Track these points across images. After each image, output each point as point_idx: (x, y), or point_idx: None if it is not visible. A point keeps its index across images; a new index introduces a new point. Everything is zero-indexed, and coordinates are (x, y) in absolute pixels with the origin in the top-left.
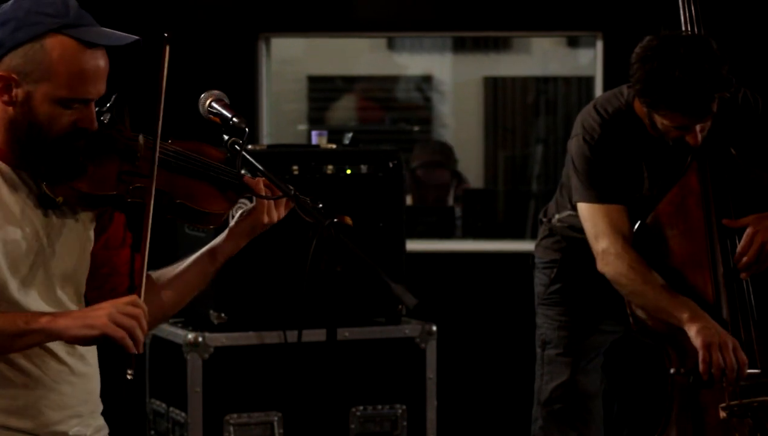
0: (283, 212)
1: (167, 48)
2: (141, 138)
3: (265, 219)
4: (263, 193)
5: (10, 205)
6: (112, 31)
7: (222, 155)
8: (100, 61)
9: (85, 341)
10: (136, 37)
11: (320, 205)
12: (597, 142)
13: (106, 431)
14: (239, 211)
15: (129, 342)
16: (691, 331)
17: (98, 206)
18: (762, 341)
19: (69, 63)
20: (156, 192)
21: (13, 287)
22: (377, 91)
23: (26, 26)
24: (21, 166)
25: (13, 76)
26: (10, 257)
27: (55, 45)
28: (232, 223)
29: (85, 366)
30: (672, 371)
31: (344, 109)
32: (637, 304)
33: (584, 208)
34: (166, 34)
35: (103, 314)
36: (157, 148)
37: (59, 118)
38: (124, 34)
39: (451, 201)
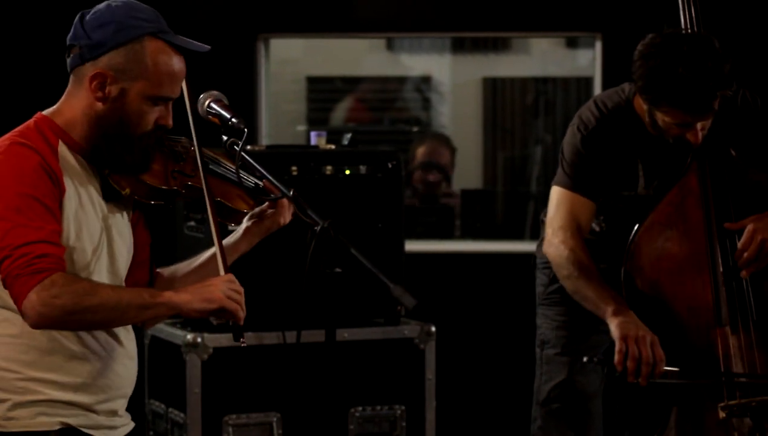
0: (291, 215)
1: (185, 83)
2: (185, 140)
3: (282, 220)
4: (282, 199)
5: (89, 194)
6: (189, 39)
7: (234, 163)
8: (183, 65)
9: (202, 314)
10: (209, 47)
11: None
12: (589, 134)
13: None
14: (251, 212)
15: (241, 314)
16: (612, 324)
17: (156, 200)
18: (761, 341)
19: (164, 64)
20: (201, 191)
21: (93, 268)
22: (376, 92)
23: (127, 28)
24: (91, 160)
25: (110, 73)
26: (91, 242)
27: (153, 47)
28: (247, 223)
29: (135, 351)
30: (585, 359)
31: (339, 111)
32: (569, 290)
33: (554, 192)
34: None
35: (217, 290)
36: (201, 152)
37: (147, 115)
38: (199, 42)
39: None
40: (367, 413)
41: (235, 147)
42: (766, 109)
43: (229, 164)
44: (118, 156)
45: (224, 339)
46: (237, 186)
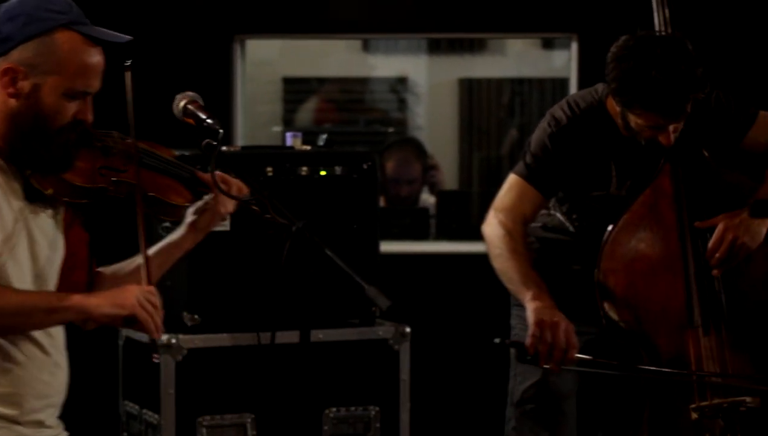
0: (234, 205)
1: (129, 75)
2: (116, 134)
3: (223, 211)
4: (222, 187)
5: (6, 195)
6: (107, 30)
7: (173, 154)
8: (101, 57)
9: (113, 320)
10: (130, 37)
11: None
12: (559, 131)
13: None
14: (194, 207)
15: (152, 327)
16: (529, 308)
17: (82, 199)
18: (733, 342)
19: (78, 57)
20: (132, 186)
21: (11, 271)
22: (351, 93)
23: (37, 21)
24: (11, 160)
25: (21, 68)
26: (7, 245)
27: (66, 40)
28: (189, 218)
29: (63, 359)
30: (497, 340)
31: (305, 111)
32: (497, 269)
33: (509, 179)
34: (127, 63)
35: (131, 296)
36: (136, 146)
37: (63, 110)
38: (118, 33)
39: (425, 194)
40: (341, 414)
41: (211, 148)
42: (739, 111)
43: (166, 155)
44: (37, 154)
45: (199, 340)
46: (175, 179)
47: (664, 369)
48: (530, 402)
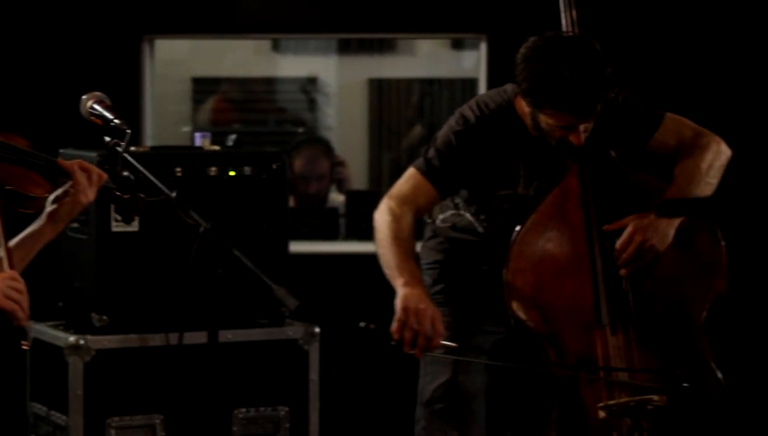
0: (95, 192)
1: None
2: None
3: (83, 199)
4: (78, 176)
5: None
6: None
7: (28, 143)
8: None
9: None
10: None
11: None
12: (465, 131)
13: None
14: (53, 195)
15: (21, 314)
16: (398, 294)
17: None
18: (641, 341)
19: None
20: None
21: None
22: (261, 93)
23: None
24: None
25: None
26: None
27: None
28: (49, 208)
29: None
30: (361, 324)
31: (203, 112)
32: (378, 253)
33: (408, 172)
34: None
35: None
36: None
37: None
38: None
39: (333, 194)
40: (250, 415)
41: (117, 148)
42: (646, 112)
43: (20, 145)
44: None
45: (107, 341)
46: (32, 169)
47: (532, 364)
48: (439, 402)
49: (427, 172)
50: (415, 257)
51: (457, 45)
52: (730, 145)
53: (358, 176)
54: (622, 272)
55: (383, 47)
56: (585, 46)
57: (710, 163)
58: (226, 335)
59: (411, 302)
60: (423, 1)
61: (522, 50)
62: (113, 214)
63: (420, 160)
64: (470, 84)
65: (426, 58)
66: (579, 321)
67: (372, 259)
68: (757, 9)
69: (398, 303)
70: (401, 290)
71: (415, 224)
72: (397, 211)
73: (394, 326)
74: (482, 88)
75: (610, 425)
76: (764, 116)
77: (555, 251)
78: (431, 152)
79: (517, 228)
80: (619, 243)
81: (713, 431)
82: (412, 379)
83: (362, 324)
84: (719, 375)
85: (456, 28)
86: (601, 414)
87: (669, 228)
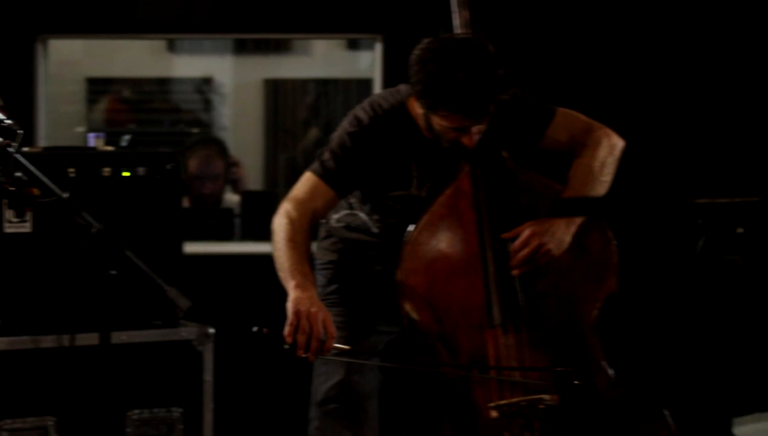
0: None
1: None
2: None
3: None
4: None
5: None
6: None
7: None
8: None
9: None
10: None
11: None
12: (359, 132)
13: None
14: None
15: None
16: (290, 297)
17: None
18: (532, 341)
19: None
20: None
21: None
22: (156, 94)
23: None
24: None
25: None
26: None
27: None
28: None
29: None
30: (254, 329)
31: (96, 112)
32: (274, 256)
33: (305, 175)
34: None
35: None
36: None
37: None
38: None
39: (228, 194)
40: (144, 416)
41: (9, 149)
42: (537, 109)
43: None
44: None
45: None
46: None
47: (422, 360)
48: (333, 402)
49: (323, 174)
50: (310, 260)
51: (353, 45)
52: (631, 146)
53: (253, 177)
54: (515, 272)
55: (279, 48)
56: (478, 48)
57: (603, 161)
58: (120, 337)
59: (303, 305)
60: (318, 2)
61: (416, 52)
62: (5, 216)
63: (316, 163)
64: (366, 84)
65: (321, 59)
66: (471, 321)
67: (268, 259)
68: (644, 5)
69: (290, 306)
70: (293, 293)
71: (311, 228)
72: (294, 215)
73: (287, 329)
74: (377, 88)
75: (502, 424)
76: (654, 113)
77: (447, 252)
78: (326, 154)
79: (410, 228)
80: (515, 244)
81: (605, 429)
82: (306, 379)
83: (255, 328)
84: (611, 373)
85: (351, 29)
86: (493, 414)
87: (566, 234)
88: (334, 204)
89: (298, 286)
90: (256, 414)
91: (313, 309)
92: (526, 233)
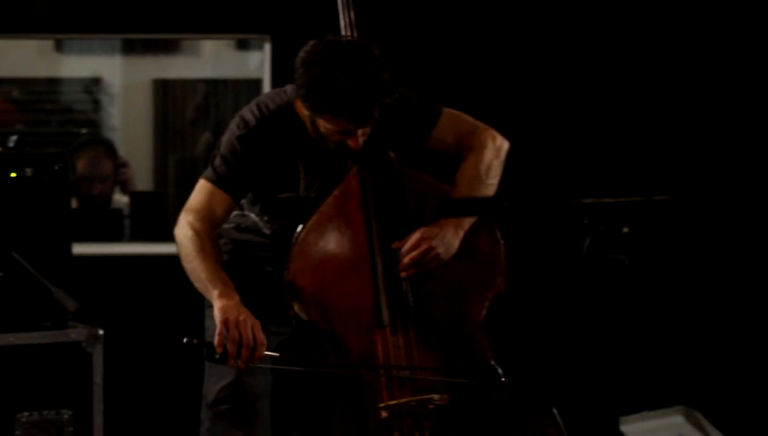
0: None
1: None
2: None
3: None
4: None
5: None
6: None
7: None
8: None
9: None
10: None
11: None
12: (248, 133)
13: None
14: None
15: None
16: (216, 306)
17: None
18: (421, 341)
19: None
20: None
21: None
22: (44, 94)
23: None
24: None
25: None
26: None
27: None
28: None
29: None
30: (185, 340)
31: None
32: (186, 270)
33: (199, 183)
34: None
35: None
36: None
37: None
38: None
39: (117, 195)
40: (33, 418)
41: None
42: (423, 109)
43: None
44: None
45: None
46: None
47: (354, 365)
48: (224, 403)
49: (217, 181)
50: (223, 267)
51: (242, 46)
52: (517, 146)
53: (142, 177)
54: (403, 274)
55: (168, 48)
56: (363, 52)
57: (489, 164)
58: (8, 339)
59: (231, 313)
60: (206, 2)
61: (301, 54)
62: None
63: (208, 170)
64: (255, 85)
65: (211, 59)
66: (360, 321)
67: (157, 260)
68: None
69: (217, 315)
70: (218, 302)
71: (216, 235)
72: (197, 225)
73: (217, 339)
74: (267, 88)
75: (392, 424)
76: (540, 113)
77: (336, 252)
78: (217, 160)
79: (299, 229)
80: (405, 247)
81: (494, 428)
82: (197, 380)
83: (185, 339)
84: (499, 372)
85: (239, 29)
86: (383, 414)
87: (454, 239)
88: (233, 208)
89: (222, 295)
90: (146, 416)
91: (242, 317)
92: (415, 236)
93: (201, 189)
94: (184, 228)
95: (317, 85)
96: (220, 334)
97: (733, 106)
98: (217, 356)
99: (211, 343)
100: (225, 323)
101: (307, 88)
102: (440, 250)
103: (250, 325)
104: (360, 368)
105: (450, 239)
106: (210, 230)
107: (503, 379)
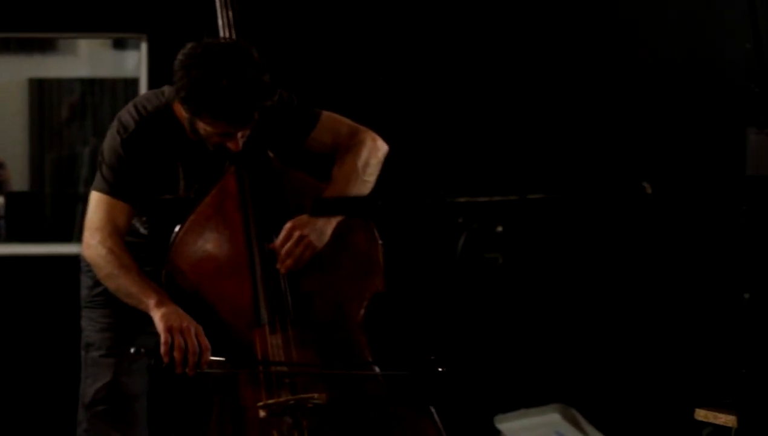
0: None
1: None
2: None
3: None
4: None
5: None
6: None
7: None
8: None
9: None
10: None
11: None
12: (129, 137)
13: None
14: None
15: None
16: (156, 316)
17: None
18: (300, 339)
19: None
20: None
21: None
22: None
23: None
24: None
25: None
26: None
27: None
28: None
29: None
30: (132, 350)
31: None
32: (111, 289)
33: (93, 196)
34: None
35: None
36: None
37: None
38: None
39: None
40: None
41: None
42: (302, 111)
43: None
44: None
45: None
46: None
47: (302, 364)
48: (101, 403)
49: (110, 191)
50: (146, 276)
51: (119, 45)
52: (392, 146)
53: (18, 178)
54: (282, 269)
55: (44, 47)
56: (243, 55)
57: (366, 161)
58: None
59: (173, 321)
60: (83, 1)
61: (179, 57)
62: None
63: (98, 181)
64: (132, 84)
65: (87, 58)
66: (239, 321)
67: (33, 261)
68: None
69: (160, 325)
70: (157, 312)
71: (124, 244)
72: (108, 242)
73: (162, 348)
74: (144, 88)
75: (271, 423)
76: (413, 113)
77: (214, 252)
78: (105, 169)
79: (177, 229)
80: (278, 240)
81: (372, 426)
82: (74, 381)
83: (132, 350)
84: (377, 371)
85: (116, 28)
86: (262, 413)
87: (326, 226)
88: (133, 214)
89: (159, 303)
90: (23, 417)
91: (185, 324)
92: (286, 227)
93: (98, 203)
94: (95, 248)
95: (197, 89)
96: (165, 343)
97: (605, 106)
98: (164, 366)
99: (158, 351)
100: (168, 330)
101: (186, 92)
102: (312, 237)
103: (194, 331)
104: (311, 366)
105: (321, 226)
106: (120, 242)
107: (440, 369)
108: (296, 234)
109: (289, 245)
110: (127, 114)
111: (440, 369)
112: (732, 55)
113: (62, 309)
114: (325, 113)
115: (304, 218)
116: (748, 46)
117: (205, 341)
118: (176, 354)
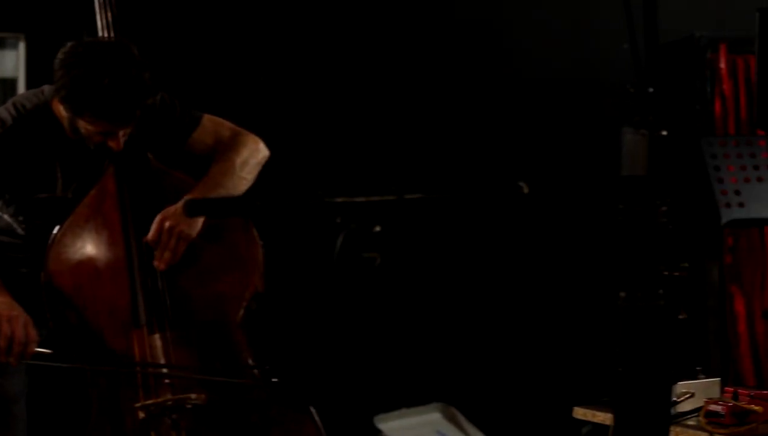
0: None
1: None
2: None
3: None
4: None
5: None
6: None
7: None
8: None
9: None
10: None
11: None
12: (3, 134)
13: None
14: None
15: None
16: None
17: None
18: (179, 340)
19: None
20: None
21: None
22: None
23: None
24: None
25: None
26: None
27: None
28: None
29: None
30: None
31: None
32: None
33: None
34: None
35: None
36: None
37: None
38: None
39: None
40: None
41: None
42: (183, 114)
43: None
44: None
45: None
46: None
47: (137, 362)
48: None
49: None
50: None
51: None
52: (270, 146)
53: None
54: (159, 265)
55: None
56: (124, 53)
57: (245, 160)
58: None
59: (2, 310)
60: None
61: (60, 56)
62: None
63: None
64: (11, 84)
65: None
66: (117, 321)
67: None
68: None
69: None
70: None
71: None
72: None
73: None
74: (21, 88)
75: (150, 424)
76: (292, 112)
77: (92, 253)
78: None
79: (55, 230)
80: (150, 234)
81: (252, 426)
82: None
83: None
84: (256, 372)
85: None
86: (140, 414)
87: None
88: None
89: None
90: None
91: (14, 313)
92: (157, 218)
93: None
94: None
95: (78, 87)
96: None
97: (482, 106)
98: None
99: None
100: None
101: (67, 90)
102: (183, 226)
103: (23, 321)
104: (145, 365)
105: None
106: None
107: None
108: (167, 224)
109: (163, 238)
110: (5, 111)
111: (273, 380)
112: (608, 56)
113: None
114: (207, 116)
115: (172, 209)
116: (624, 47)
117: (33, 333)
118: (2, 343)
